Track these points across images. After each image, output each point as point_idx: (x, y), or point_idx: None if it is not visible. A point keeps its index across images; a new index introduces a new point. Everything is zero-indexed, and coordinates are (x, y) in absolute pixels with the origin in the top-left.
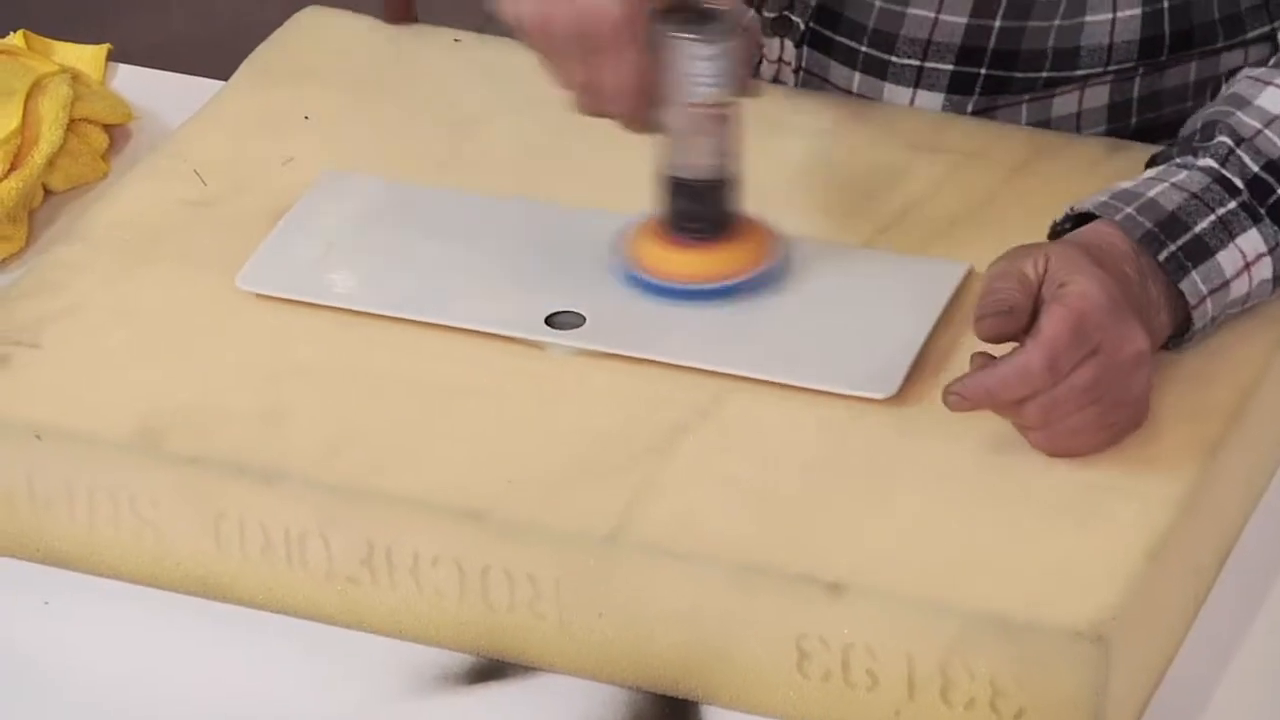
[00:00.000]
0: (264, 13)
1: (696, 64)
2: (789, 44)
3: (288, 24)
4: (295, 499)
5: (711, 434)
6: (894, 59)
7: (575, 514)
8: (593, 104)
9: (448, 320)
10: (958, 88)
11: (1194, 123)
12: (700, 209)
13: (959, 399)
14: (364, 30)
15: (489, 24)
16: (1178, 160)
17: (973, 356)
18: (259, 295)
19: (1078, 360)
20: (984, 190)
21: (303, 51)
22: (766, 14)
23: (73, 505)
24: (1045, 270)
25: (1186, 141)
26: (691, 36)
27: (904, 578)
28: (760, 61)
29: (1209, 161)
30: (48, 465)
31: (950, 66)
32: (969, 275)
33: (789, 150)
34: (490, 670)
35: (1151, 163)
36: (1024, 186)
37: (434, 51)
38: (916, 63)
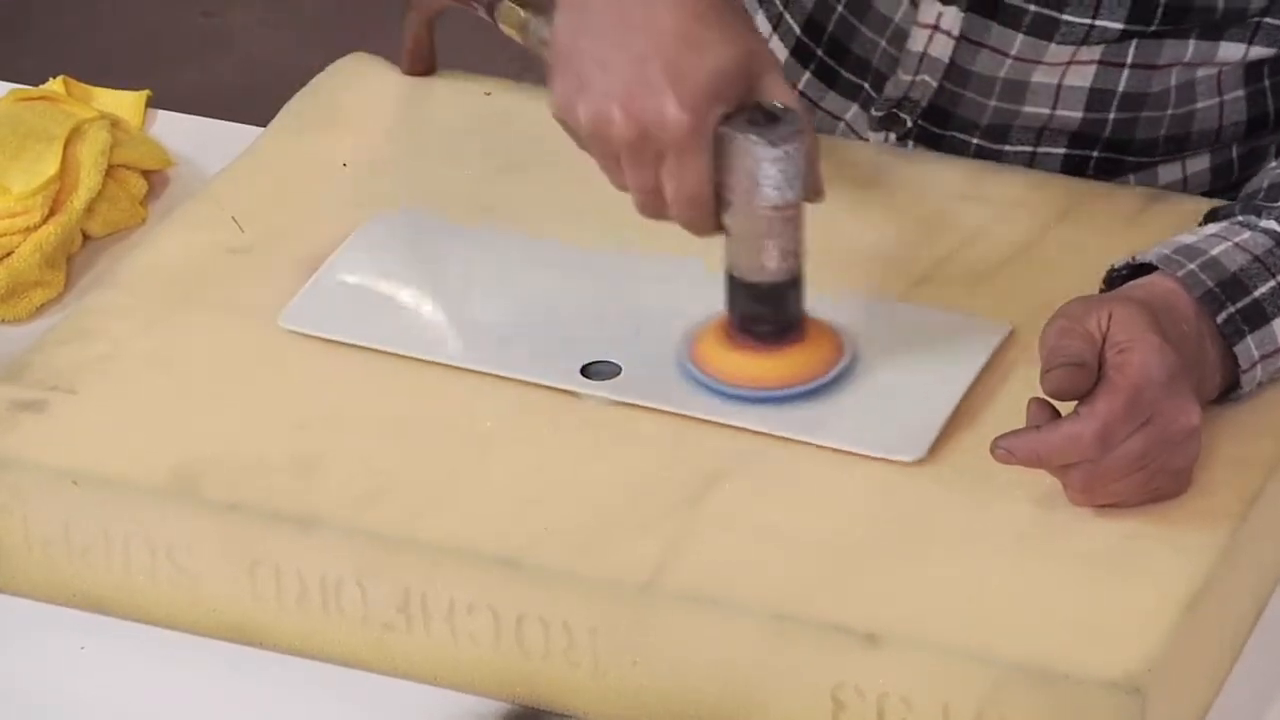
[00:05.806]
0: (303, 60)
1: (765, 166)
2: (894, 138)
3: (327, 71)
4: (331, 547)
5: (747, 484)
6: (1007, 148)
7: (611, 562)
8: (655, 208)
9: (483, 366)
10: (1070, 170)
11: (1259, 181)
12: (768, 311)
13: (1006, 454)
14: (403, 78)
15: (525, 73)
16: (1240, 219)
17: (1030, 401)
18: (295, 342)
19: (1129, 433)
20: (1023, 240)
21: (342, 99)
22: (874, 112)
23: (109, 551)
24: (1108, 328)
25: (1249, 199)
26: (759, 139)
27: (940, 628)
28: None
29: (1272, 224)
30: (84, 511)
31: (1063, 150)
32: (1009, 336)
33: (827, 201)
34: (525, 717)
35: (1211, 216)
36: (1064, 236)
37: (472, 100)
38: (1029, 149)
